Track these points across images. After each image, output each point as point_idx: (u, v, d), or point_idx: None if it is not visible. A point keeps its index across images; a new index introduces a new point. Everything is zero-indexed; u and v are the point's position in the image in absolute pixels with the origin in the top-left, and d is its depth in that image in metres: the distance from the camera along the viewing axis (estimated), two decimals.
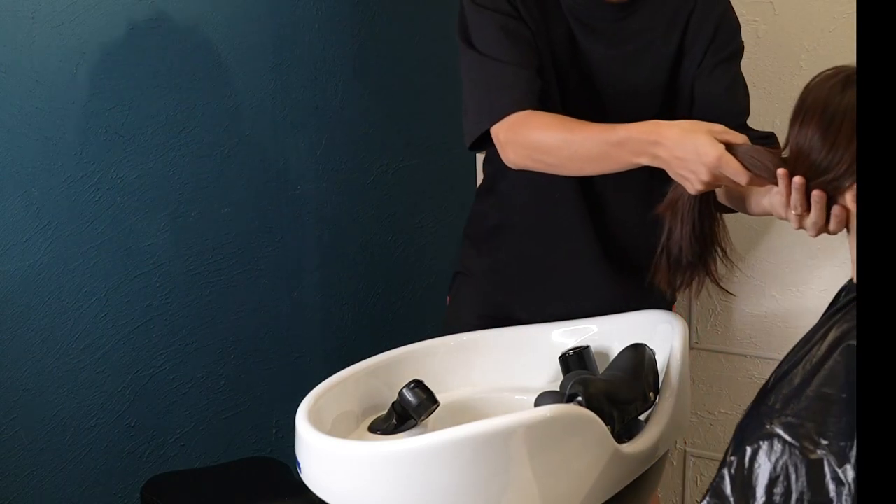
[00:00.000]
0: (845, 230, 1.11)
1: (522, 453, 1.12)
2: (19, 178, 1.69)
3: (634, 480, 1.23)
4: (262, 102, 2.00)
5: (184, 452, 1.96)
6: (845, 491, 0.93)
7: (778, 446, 0.99)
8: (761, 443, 1.01)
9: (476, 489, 1.12)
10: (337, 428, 1.35)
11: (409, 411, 1.35)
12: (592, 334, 1.49)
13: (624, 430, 1.26)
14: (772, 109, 1.66)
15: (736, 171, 1.16)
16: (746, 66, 1.67)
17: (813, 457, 0.96)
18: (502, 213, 1.58)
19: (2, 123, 1.66)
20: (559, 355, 1.41)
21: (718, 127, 1.21)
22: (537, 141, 1.32)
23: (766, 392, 1.08)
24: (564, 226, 1.52)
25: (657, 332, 1.41)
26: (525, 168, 1.37)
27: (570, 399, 1.20)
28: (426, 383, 1.38)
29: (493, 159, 1.53)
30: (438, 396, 1.40)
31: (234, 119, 1.96)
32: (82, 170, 1.77)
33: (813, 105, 1.11)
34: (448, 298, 1.70)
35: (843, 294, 1.14)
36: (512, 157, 1.36)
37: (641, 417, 1.30)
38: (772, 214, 1.20)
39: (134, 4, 1.81)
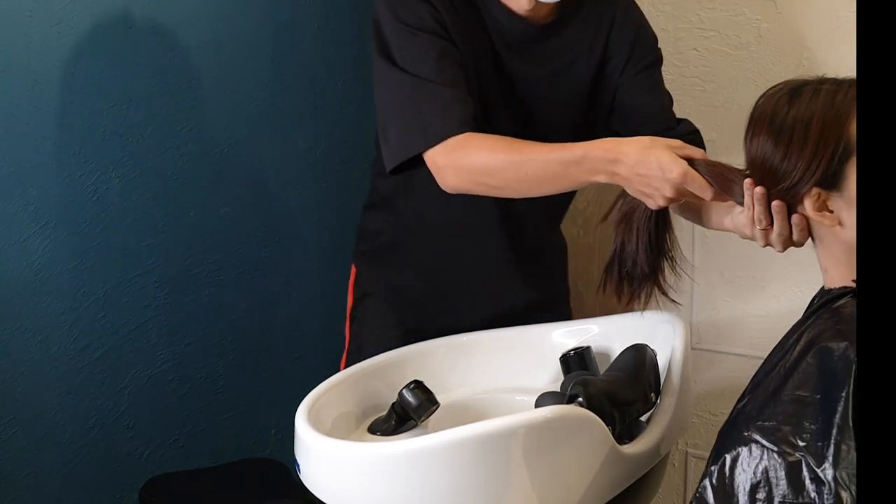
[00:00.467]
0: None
1: (523, 454, 1.12)
2: (17, 177, 1.68)
3: (636, 481, 1.23)
4: (262, 102, 2.00)
5: (183, 453, 1.96)
6: (826, 490, 0.93)
7: (756, 452, 1.00)
8: (740, 449, 1.01)
9: (476, 490, 1.12)
10: (336, 429, 1.34)
11: (408, 412, 1.34)
12: (593, 335, 1.48)
13: (625, 430, 1.25)
14: None
15: (701, 187, 1.18)
16: (748, 64, 1.67)
17: (792, 459, 0.96)
18: (401, 230, 1.54)
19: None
20: (560, 356, 1.40)
21: (676, 142, 1.22)
22: (481, 164, 1.29)
23: (742, 400, 1.09)
24: (477, 237, 1.51)
25: (658, 332, 1.41)
26: (465, 192, 1.33)
27: (570, 400, 1.19)
28: (426, 384, 1.38)
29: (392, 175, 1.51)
30: (438, 397, 1.40)
31: (233, 118, 1.96)
32: (80, 169, 1.76)
33: (761, 117, 1.13)
34: (348, 327, 1.64)
35: (815, 300, 1.14)
36: (452, 181, 1.31)
37: (643, 418, 1.30)
38: (733, 232, 1.21)
39: (132, 4, 1.81)
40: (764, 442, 0.99)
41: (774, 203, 1.11)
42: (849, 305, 1.07)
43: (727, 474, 1.01)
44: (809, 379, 1.00)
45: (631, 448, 1.21)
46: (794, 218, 1.11)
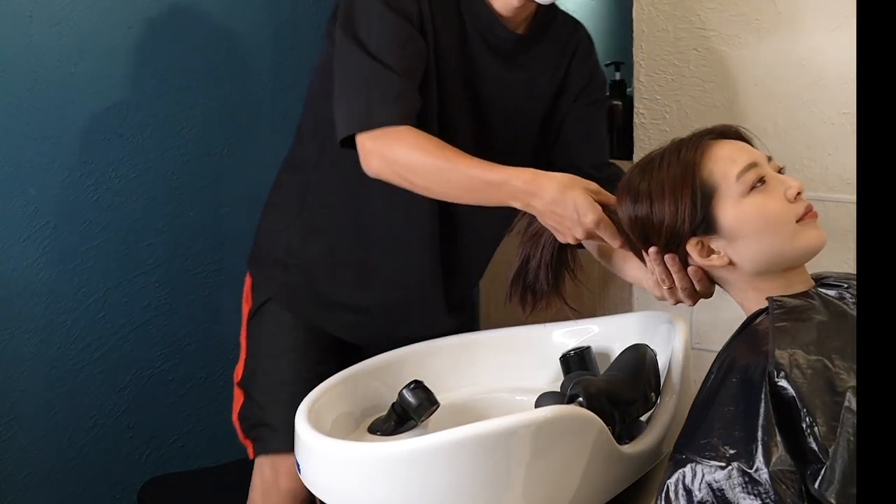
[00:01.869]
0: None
1: (523, 454, 1.12)
2: (17, 177, 1.68)
3: (636, 481, 1.23)
4: (262, 102, 2.00)
5: (182, 454, 1.96)
6: (762, 489, 0.96)
7: (695, 469, 1.02)
8: (680, 472, 1.04)
9: (476, 490, 1.12)
10: (336, 429, 1.34)
11: (408, 412, 1.34)
12: (593, 334, 1.48)
13: (625, 430, 1.25)
14: (773, 109, 1.65)
15: (612, 236, 1.23)
16: (748, 64, 1.67)
17: (726, 466, 0.99)
18: (316, 234, 1.51)
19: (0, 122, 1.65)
20: (560, 356, 1.40)
21: (593, 186, 1.27)
22: (407, 159, 1.30)
23: (681, 430, 1.13)
24: (408, 240, 1.49)
25: (658, 332, 1.40)
26: (385, 180, 1.33)
27: (570, 400, 1.19)
28: (426, 384, 1.38)
29: (306, 168, 1.50)
30: (438, 397, 1.39)
31: (233, 118, 1.96)
32: (80, 169, 1.76)
33: (622, 191, 1.21)
34: (245, 334, 1.56)
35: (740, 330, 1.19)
36: (375, 167, 1.32)
37: (643, 418, 1.30)
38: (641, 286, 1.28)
39: (132, 4, 1.81)
40: (698, 458, 1.02)
41: (666, 257, 1.17)
42: (764, 322, 1.10)
43: (673, 499, 1.03)
44: (733, 394, 1.03)
45: (631, 448, 1.21)
46: (690, 270, 1.17)
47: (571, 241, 1.27)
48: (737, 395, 1.03)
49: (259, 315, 1.54)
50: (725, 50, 1.69)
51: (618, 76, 2.02)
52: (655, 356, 1.32)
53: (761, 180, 1.12)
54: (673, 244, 1.16)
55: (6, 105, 1.65)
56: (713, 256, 1.14)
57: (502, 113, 1.45)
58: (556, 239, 1.30)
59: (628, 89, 1.99)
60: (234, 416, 1.54)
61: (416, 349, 1.49)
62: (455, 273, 1.50)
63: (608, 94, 2.02)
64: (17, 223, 1.69)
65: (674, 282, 1.19)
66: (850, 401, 0.94)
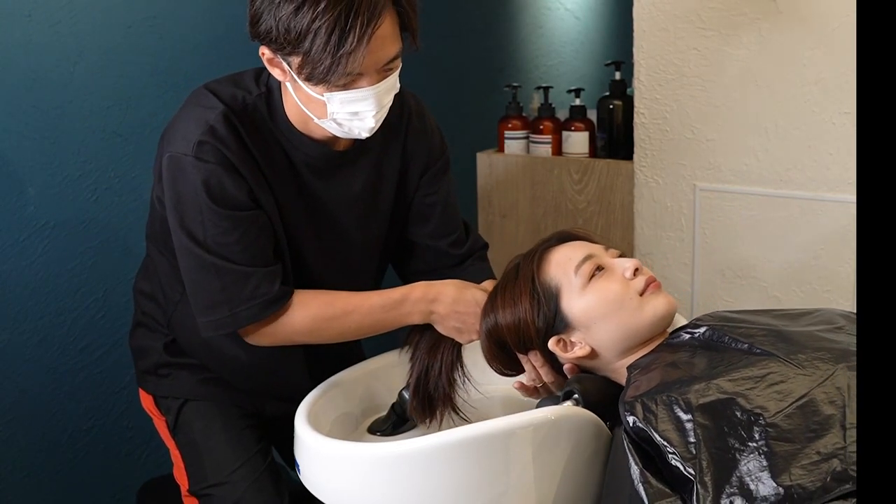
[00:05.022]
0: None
1: (523, 454, 1.12)
2: (17, 177, 1.68)
3: None
4: None
5: None
6: None
7: None
8: None
9: (476, 490, 1.12)
10: (336, 429, 1.34)
11: (408, 412, 1.34)
12: None
13: None
14: (773, 109, 1.65)
15: None
16: (748, 64, 1.66)
17: None
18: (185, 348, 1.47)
19: None
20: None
21: (487, 283, 1.39)
22: (291, 334, 1.31)
23: None
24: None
25: None
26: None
27: (566, 396, 1.20)
28: None
29: (164, 288, 1.43)
30: None
31: None
32: (80, 169, 1.76)
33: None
34: (175, 444, 1.48)
35: None
36: (267, 343, 1.32)
37: None
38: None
39: (131, 3, 1.80)
40: None
41: (531, 354, 1.27)
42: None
43: None
44: (614, 458, 1.09)
45: None
46: (566, 368, 1.26)
47: (475, 337, 1.34)
48: (614, 458, 1.09)
49: (183, 421, 1.47)
50: (725, 50, 1.69)
51: (618, 76, 2.01)
52: None
53: (599, 268, 1.21)
54: (524, 347, 1.26)
55: (5, 105, 1.65)
56: (576, 349, 1.22)
57: (356, 220, 1.42)
58: (452, 350, 1.38)
59: (628, 89, 1.99)
60: None
61: None
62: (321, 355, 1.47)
63: (608, 93, 2.02)
64: (16, 223, 1.69)
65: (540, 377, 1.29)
66: (701, 417, 1.00)
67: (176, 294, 1.40)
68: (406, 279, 1.52)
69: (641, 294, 1.20)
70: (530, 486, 1.13)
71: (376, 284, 1.48)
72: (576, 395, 1.18)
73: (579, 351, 1.22)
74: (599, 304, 1.20)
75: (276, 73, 1.28)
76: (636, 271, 1.21)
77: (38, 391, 1.75)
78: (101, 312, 1.82)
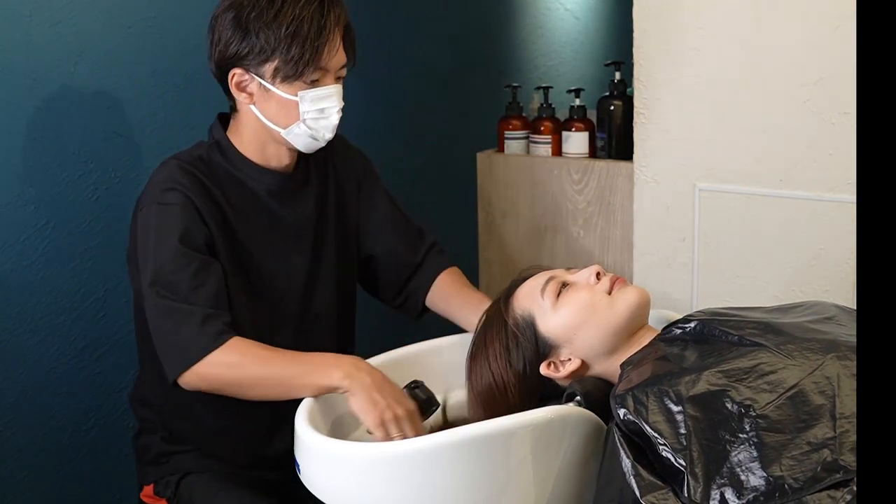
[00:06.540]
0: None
1: (523, 454, 1.12)
2: (17, 177, 1.68)
3: None
4: None
5: None
6: None
7: None
8: None
9: (476, 490, 1.12)
10: (336, 429, 1.34)
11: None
12: None
13: None
14: (773, 109, 1.65)
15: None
16: (748, 64, 1.66)
17: None
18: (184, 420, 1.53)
19: None
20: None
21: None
22: (226, 380, 1.34)
23: None
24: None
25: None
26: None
27: (568, 398, 1.20)
28: (428, 383, 1.38)
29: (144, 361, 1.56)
30: (439, 396, 1.40)
31: None
32: (80, 169, 1.76)
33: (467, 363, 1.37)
34: None
35: None
36: (193, 386, 1.35)
37: None
38: None
39: (131, 3, 1.81)
40: None
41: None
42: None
43: None
44: (610, 457, 1.09)
45: None
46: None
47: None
48: (606, 453, 1.10)
49: (182, 492, 1.51)
50: (725, 50, 1.69)
51: (618, 76, 2.01)
52: None
53: (564, 285, 1.26)
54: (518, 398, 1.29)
55: (5, 104, 1.65)
56: (567, 365, 1.25)
57: (317, 245, 1.54)
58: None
59: (628, 89, 1.99)
60: None
61: (416, 349, 1.49)
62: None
63: (608, 93, 2.02)
64: (16, 223, 1.69)
65: None
66: (691, 408, 1.01)
67: (160, 387, 1.45)
68: (376, 294, 1.67)
69: (609, 293, 1.24)
70: (530, 486, 1.13)
71: (346, 308, 1.62)
72: (578, 397, 1.18)
73: (571, 366, 1.25)
74: (573, 314, 1.24)
75: (242, 97, 1.44)
76: (598, 275, 1.26)
77: (37, 391, 1.75)
78: (102, 312, 1.82)
